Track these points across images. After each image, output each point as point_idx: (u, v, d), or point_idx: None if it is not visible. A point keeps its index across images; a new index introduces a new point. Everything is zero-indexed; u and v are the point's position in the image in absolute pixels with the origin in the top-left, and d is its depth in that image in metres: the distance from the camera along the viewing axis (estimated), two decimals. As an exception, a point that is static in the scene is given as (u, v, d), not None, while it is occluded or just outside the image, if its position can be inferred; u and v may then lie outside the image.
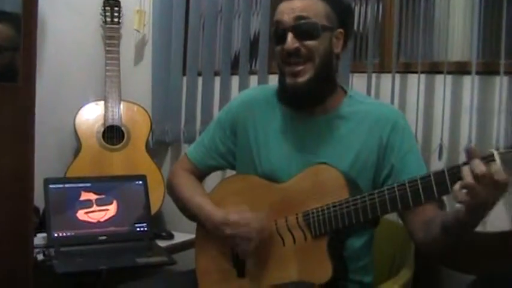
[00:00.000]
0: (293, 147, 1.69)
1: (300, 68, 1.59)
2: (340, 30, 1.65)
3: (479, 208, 1.30)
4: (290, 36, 1.58)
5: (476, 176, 1.25)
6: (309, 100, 1.64)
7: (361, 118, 1.66)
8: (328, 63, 1.63)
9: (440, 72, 2.39)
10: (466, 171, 1.27)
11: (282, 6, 1.64)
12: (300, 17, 1.59)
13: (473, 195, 1.26)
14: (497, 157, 1.25)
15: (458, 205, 1.32)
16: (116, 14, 3.02)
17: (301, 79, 1.59)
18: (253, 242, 1.60)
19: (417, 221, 1.56)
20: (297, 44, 1.58)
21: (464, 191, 1.27)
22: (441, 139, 2.38)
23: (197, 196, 1.77)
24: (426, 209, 1.51)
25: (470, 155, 1.28)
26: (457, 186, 1.28)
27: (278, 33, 1.62)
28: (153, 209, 2.67)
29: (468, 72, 2.32)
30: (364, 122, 1.65)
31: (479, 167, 1.25)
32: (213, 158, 1.84)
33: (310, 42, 1.59)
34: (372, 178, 1.64)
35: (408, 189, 1.39)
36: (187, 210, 1.80)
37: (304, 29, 1.59)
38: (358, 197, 1.48)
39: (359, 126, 1.65)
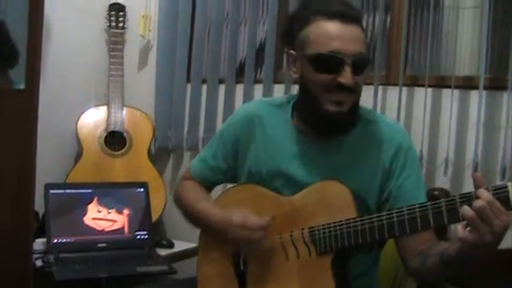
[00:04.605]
0: (303, 170, 1.64)
1: (344, 97, 1.51)
2: None
3: (484, 245, 1.26)
4: (349, 70, 1.47)
5: (476, 211, 1.22)
6: (343, 128, 1.59)
7: (370, 141, 1.62)
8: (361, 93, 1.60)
9: (448, 87, 2.38)
10: (465, 209, 1.25)
11: (339, 31, 1.48)
12: (360, 51, 1.49)
13: (476, 229, 1.24)
14: (510, 189, 1.23)
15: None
16: (121, 19, 3.01)
17: (345, 108, 1.53)
18: (256, 242, 1.56)
19: (412, 248, 1.52)
20: (354, 80, 1.48)
21: (468, 228, 1.25)
22: (447, 154, 2.37)
23: (202, 202, 1.75)
24: (423, 235, 1.46)
25: (476, 183, 1.26)
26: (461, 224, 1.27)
27: (331, 62, 1.49)
28: (154, 217, 2.65)
29: (476, 87, 2.31)
30: (372, 145, 1.61)
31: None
32: (216, 175, 1.82)
33: (359, 77, 1.52)
34: (377, 201, 1.61)
35: (418, 214, 1.36)
36: (192, 216, 1.77)
37: (362, 65, 1.50)
38: (366, 217, 1.44)
39: (367, 149, 1.61)
